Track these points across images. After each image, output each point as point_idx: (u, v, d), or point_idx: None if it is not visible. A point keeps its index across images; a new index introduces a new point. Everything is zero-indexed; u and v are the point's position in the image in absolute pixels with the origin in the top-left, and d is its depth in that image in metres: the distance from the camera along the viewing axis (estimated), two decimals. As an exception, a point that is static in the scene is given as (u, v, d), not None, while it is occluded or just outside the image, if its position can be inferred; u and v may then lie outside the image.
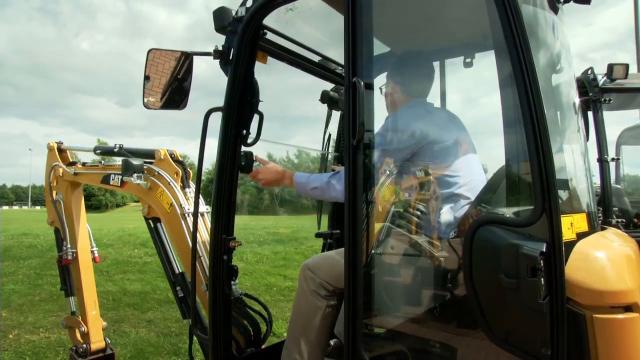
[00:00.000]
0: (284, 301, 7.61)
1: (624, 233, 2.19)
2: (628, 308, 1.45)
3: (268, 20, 2.25)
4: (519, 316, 1.47)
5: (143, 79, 2.36)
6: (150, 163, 2.95)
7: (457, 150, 2.16)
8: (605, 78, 4.79)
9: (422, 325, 2.00)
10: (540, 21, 1.79)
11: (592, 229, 1.82)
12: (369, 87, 1.78)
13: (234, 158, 2.23)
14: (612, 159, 4.83)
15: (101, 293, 6.91)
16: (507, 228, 1.50)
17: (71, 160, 3.75)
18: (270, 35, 2.41)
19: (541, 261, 1.36)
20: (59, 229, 3.67)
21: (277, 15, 2.21)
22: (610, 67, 4.72)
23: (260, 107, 2.33)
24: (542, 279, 1.37)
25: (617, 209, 4.73)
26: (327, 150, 3.36)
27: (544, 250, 1.38)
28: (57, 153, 3.70)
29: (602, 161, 4.69)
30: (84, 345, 3.62)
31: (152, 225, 3.05)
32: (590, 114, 4.79)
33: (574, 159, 1.89)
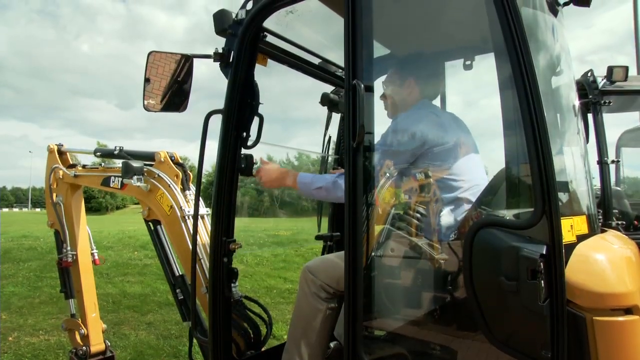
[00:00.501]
0: (284, 303, 7.60)
1: (624, 235, 2.18)
2: (628, 310, 1.45)
3: (268, 23, 2.25)
4: (519, 319, 1.47)
5: (143, 82, 2.36)
6: (151, 165, 2.95)
7: (462, 153, 2.15)
8: (605, 80, 4.80)
9: (422, 327, 1.99)
10: (539, 24, 1.79)
11: (592, 231, 1.82)
12: (369, 89, 1.79)
13: (234, 160, 2.23)
14: (612, 161, 4.83)
15: (101, 295, 6.90)
16: (507, 230, 1.50)
17: (71, 162, 3.75)
18: (270, 38, 2.42)
19: (541, 263, 1.36)
20: (59, 231, 3.67)
21: (277, 17, 2.22)
22: (610, 70, 4.72)
23: (261, 110, 2.33)
24: (542, 282, 1.36)
25: (617, 211, 4.73)
26: (327, 152, 3.37)
27: (544, 252, 1.38)
28: (57, 155, 3.70)
29: (602, 163, 4.69)
30: (84, 348, 3.62)
31: (152, 228, 3.05)
32: (590, 116, 4.79)
33: (574, 161, 1.89)
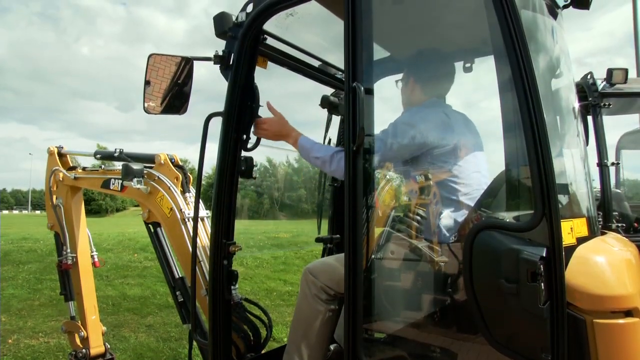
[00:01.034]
0: (284, 306, 7.59)
1: (624, 237, 2.19)
2: (628, 313, 1.45)
3: (268, 26, 2.26)
4: (519, 321, 1.47)
5: (143, 84, 2.36)
6: (151, 168, 2.95)
7: (466, 155, 2.15)
8: (604, 83, 4.80)
9: (422, 330, 1.99)
10: (539, 26, 1.79)
11: (592, 234, 1.82)
12: (369, 92, 1.79)
13: (234, 163, 2.23)
14: (612, 164, 4.82)
15: (101, 298, 6.90)
16: (507, 233, 1.50)
17: (71, 164, 3.75)
18: (270, 41, 2.42)
19: (541, 266, 1.36)
20: (58, 233, 3.66)
21: (277, 20, 2.22)
22: (610, 72, 4.72)
23: (261, 112, 2.34)
24: (542, 284, 1.36)
25: (617, 213, 4.73)
26: None
27: (544, 255, 1.38)
28: (57, 157, 3.70)
29: (602, 166, 4.69)
30: (84, 350, 3.62)
31: (152, 230, 3.05)
32: (590, 118, 4.79)
33: (573, 163, 1.89)
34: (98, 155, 3.53)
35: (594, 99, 4.77)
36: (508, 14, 1.48)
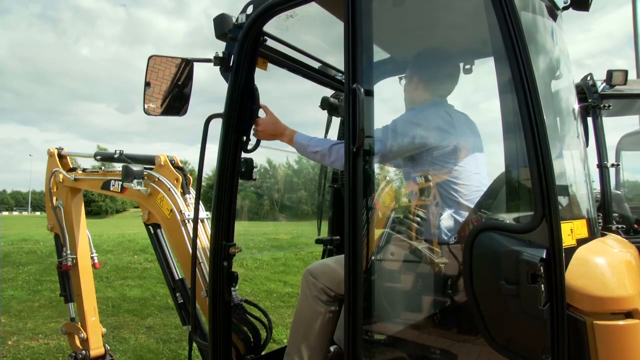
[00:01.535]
0: (284, 307, 7.59)
1: (624, 239, 2.18)
2: (629, 314, 1.45)
3: (268, 27, 2.26)
4: (519, 323, 1.46)
5: (144, 85, 2.36)
6: (151, 169, 2.95)
7: (467, 156, 2.14)
8: (604, 84, 4.80)
9: (423, 331, 1.99)
10: (539, 28, 1.79)
11: (592, 235, 1.82)
12: (369, 93, 1.79)
13: (234, 164, 2.23)
14: (612, 165, 4.82)
15: (101, 299, 6.91)
16: (507, 234, 1.50)
17: (71, 166, 3.76)
18: (270, 42, 2.42)
19: (541, 267, 1.36)
20: (58, 234, 3.67)
21: (277, 22, 2.22)
22: (610, 73, 4.72)
23: (261, 114, 2.34)
24: (543, 286, 1.36)
25: (617, 214, 4.72)
26: None
27: (544, 256, 1.38)
28: (57, 159, 3.71)
29: (602, 167, 4.68)
30: (83, 352, 3.62)
31: (152, 231, 3.05)
32: (589, 119, 4.79)
33: (573, 165, 1.89)
34: (98, 157, 3.53)
35: (593, 101, 4.77)
36: (508, 15, 1.48)
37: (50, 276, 9.30)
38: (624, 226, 4.72)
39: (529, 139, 1.44)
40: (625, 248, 1.88)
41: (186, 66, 2.39)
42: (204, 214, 2.88)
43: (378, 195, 2.17)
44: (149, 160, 3.02)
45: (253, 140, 2.32)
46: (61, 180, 3.60)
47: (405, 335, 2.01)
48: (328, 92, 3.29)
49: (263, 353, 2.65)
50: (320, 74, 3.04)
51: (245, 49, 2.19)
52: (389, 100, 2.66)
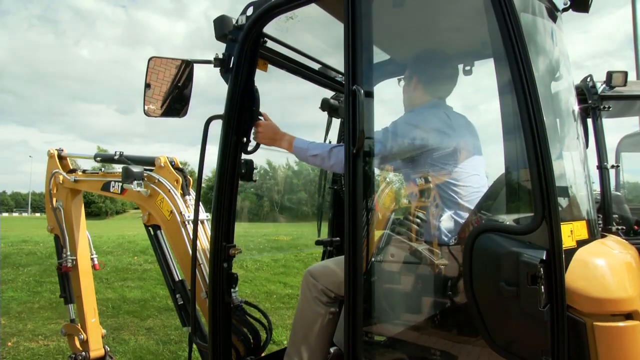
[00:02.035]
0: (284, 309, 7.59)
1: (624, 240, 2.18)
2: (629, 316, 1.45)
3: (268, 29, 2.26)
4: (519, 324, 1.46)
5: (144, 87, 2.37)
6: (151, 170, 2.95)
7: (466, 158, 2.14)
8: (604, 85, 4.80)
9: (423, 333, 1.99)
10: (539, 29, 1.80)
11: (592, 237, 1.82)
12: (369, 95, 1.79)
13: (234, 166, 2.23)
14: (612, 166, 4.82)
15: (101, 300, 6.90)
16: (507, 236, 1.50)
17: (71, 167, 3.76)
18: (270, 44, 2.42)
19: (541, 269, 1.36)
20: (58, 236, 3.67)
21: (277, 23, 2.22)
22: (610, 75, 4.72)
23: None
24: (543, 287, 1.36)
25: (617, 216, 4.72)
26: None
27: (544, 258, 1.38)
28: (57, 160, 3.71)
29: (602, 168, 4.68)
30: (83, 353, 3.62)
31: (152, 233, 3.05)
32: (589, 121, 4.79)
33: (573, 166, 1.89)
34: (98, 158, 3.53)
35: (593, 102, 4.77)
36: (508, 17, 1.48)
37: (50, 277, 9.30)
38: (624, 227, 4.72)
39: (528, 141, 1.44)
40: (625, 249, 1.88)
41: (186, 68, 2.39)
42: (203, 215, 2.88)
43: (378, 196, 2.17)
44: (149, 162, 3.02)
45: (253, 142, 2.33)
46: (61, 182, 3.60)
47: (405, 336, 2.01)
48: (328, 94, 3.29)
49: (263, 354, 2.64)
50: (320, 76, 3.04)
51: (245, 50, 2.19)
52: (389, 102, 2.67)
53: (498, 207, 1.90)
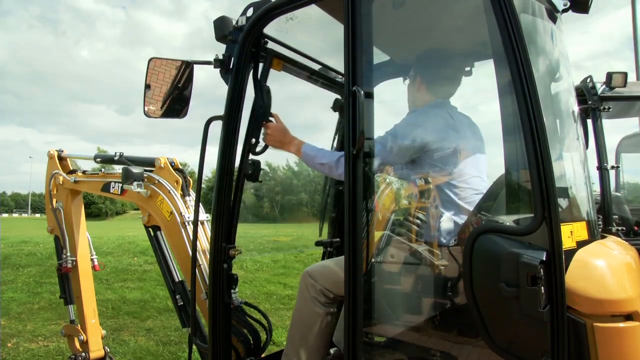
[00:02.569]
0: (284, 309, 7.58)
1: (624, 241, 2.18)
2: (629, 317, 1.45)
3: (268, 30, 2.26)
4: (519, 325, 1.46)
5: (144, 88, 2.37)
6: (151, 171, 2.95)
7: (470, 158, 2.14)
8: (604, 86, 4.80)
9: (423, 333, 1.99)
10: (539, 30, 1.80)
11: (592, 237, 1.82)
12: (369, 95, 1.79)
13: (241, 166, 2.22)
14: (612, 167, 4.82)
15: (100, 301, 6.90)
16: (507, 236, 1.50)
17: (71, 168, 3.76)
18: (270, 44, 2.42)
19: (541, 270, 1.36)
20: (58, 236, 3.66)
21: (277, 24, 2.23)
22: (609, 76, 4.72)
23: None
24: (542, 288, 1.36)
25: (617, 216, 4.72)
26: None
27: (544, 258, 1.38)
28: (57, 161, 3.70)
29: (602, 169, 4.68)
30: (83, 354, 3.61)
31: (152, 234, 3.05)
32: (589, 122, 4.79)
33: (573, 167, 1.89)
34: (98, 159, 3.53)
35: (593, 103, 4.77)
36: (507, 17, 1.48)
37: (50, 278, 9.30)
38: (624, 228, 4.72)
39: (528, 141, 1.44)
40: (625, 250, 1.88)
41: (186, 68, 2.39)
42: (203, 216, 2.88)
43: (378, 197, 2.17)
44: (149, 163, 3.02)
45: (261, 143, 2.31)
46: (61, 183, 3.60)
47: (405, 337, 2.01)
48: (328, 94, 3.28)
49: (263, 355, 2.64)
50: (320, 77, 3.04)
51: (245, 51, 2.19)
52: (389, 102, 2.67)
53: (498, 208, 1.90)
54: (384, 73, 2.73)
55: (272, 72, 2.43)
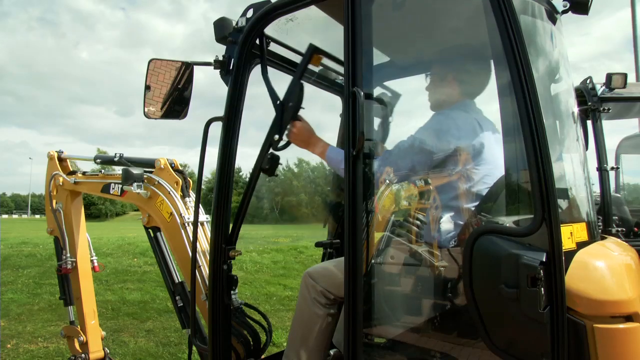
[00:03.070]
0: (284, 311, 7.58)
1: (624, 242, 2.18)
2: (629, 318, 1.45)
3: (268, 30, 2.26)
4: (519, 326, 1.46)
5: (144, 89, 2.37)
6: (150, 172, 2.95)
7: (488, 168, 2.09)
8: (603, 87, 4.80)
9: (423, 335, 1.99)
10: (538, 31, 1.80)
11: (592, 238, 1.82)
12: (369, 97, 1.79)
13: (259, 160, 2.18)
14: (612, 168, 4.82)
15: (100, 302, 6.90)
16: (507, 237, 1.50)
17: (71, 169, 3.76)
18: (270, 46, 2.42)
19: (541, 271, 1.36)
20: (58, 238, 3.66)
21: (277, 25, 2.23)
22: (609, 77, 4.72)
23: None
24: (542, 289, 1.36)
25: (617, 217, 4.72)
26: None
27: (544, 259, 1.38)
28: (57, 162, 3.70)
29: (602, 170, 4.68)
30: (83, 355, 3.61)
31: (152, 235, 3.05)
32: (589, 123, 4.80)
33: (573, 168, 1.89)
34: (98, 160, 3.53)
35: (593, 104, 4.77)
36: (507, 18, 1.48)
37: (49, 279, 9.30)
38: (624, 229, 4.72)
39: (528, 142, 1.44)
40: (625, 251, 1.88)
41: (186, 69, 2.39)
42: (203, 217, 2.88)
43: (378, 198, 2.17)
44: (149, 164, 3.02)
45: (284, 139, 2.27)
46: (61, 184, 3.60)
47: (405, 338, 2.01)
48: (328, 95, 3.28)
49: (263, 356, 2.64)
50: (320, 77, 3.04)
51: (245, 52, 2.19)
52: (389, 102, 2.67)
53: (498, 209, 1.90)
54: (384, 74, 2.73)
55: (273, 72, 2.44)
